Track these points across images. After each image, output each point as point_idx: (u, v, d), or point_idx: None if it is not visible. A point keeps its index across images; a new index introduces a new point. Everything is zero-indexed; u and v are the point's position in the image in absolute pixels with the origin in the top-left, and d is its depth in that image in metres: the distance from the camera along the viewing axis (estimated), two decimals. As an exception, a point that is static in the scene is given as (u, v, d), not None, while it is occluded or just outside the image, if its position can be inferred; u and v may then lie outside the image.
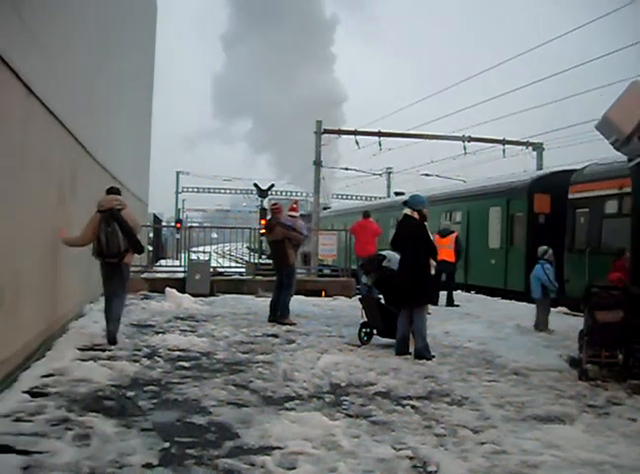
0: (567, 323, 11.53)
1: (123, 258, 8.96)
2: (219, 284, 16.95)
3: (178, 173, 60.52)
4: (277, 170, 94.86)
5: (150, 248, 25.91)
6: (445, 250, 15.04)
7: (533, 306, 12.05)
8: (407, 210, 9.13)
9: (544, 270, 11.58)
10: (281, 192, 58.61)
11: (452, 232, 15.94)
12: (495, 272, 19.75)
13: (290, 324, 11.39)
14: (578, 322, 8.85)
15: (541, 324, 11.48)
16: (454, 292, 15.97)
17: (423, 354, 8.52)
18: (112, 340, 8.80)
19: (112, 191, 9.43)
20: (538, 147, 29.08)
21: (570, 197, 17.27)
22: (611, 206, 15.83)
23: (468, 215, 21.59)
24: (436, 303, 13.77)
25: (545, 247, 12.01)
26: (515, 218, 19.50)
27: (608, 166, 16.06)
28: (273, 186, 36.63)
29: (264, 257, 21.99)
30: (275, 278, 12.59)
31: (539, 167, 27.42)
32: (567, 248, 17.08)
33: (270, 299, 12.26)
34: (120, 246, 8.78)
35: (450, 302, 15.42)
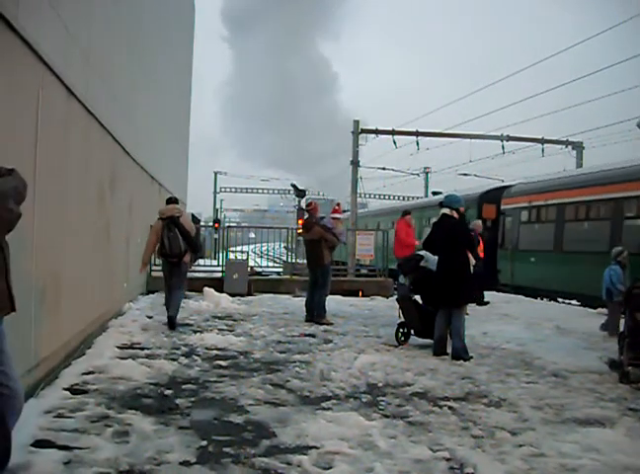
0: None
1: (182, 257, 10.42)
2: (257, 284, 17.04)
3: (216, 173, 60.95)
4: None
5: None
6: None
7: (570, 307, 11.82)
8: (446, 210, 9.04)
9: (610, 272, 11.18)
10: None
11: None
12: None
13: (328, 324, 11.40)
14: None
15: (610, 327, 11.11)
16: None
17: (460, 354, 8.45)
18: (172, 325, 10.20)
19: (171, 200, 10.94)
20: (578, 146, 28.62)
21: (501, 207, 22.43)
22: (524, 216, 21.13)
23: None
24: (474, 301, 13.53)
25: (620, 248, 11.44)
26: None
27: (525, 185, 21.85)
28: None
29: (299, 258, 22.06)
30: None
31: (579, 166, 27.02)
32: (499, 246, 22.14)
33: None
34: (180, 247, 10.30)
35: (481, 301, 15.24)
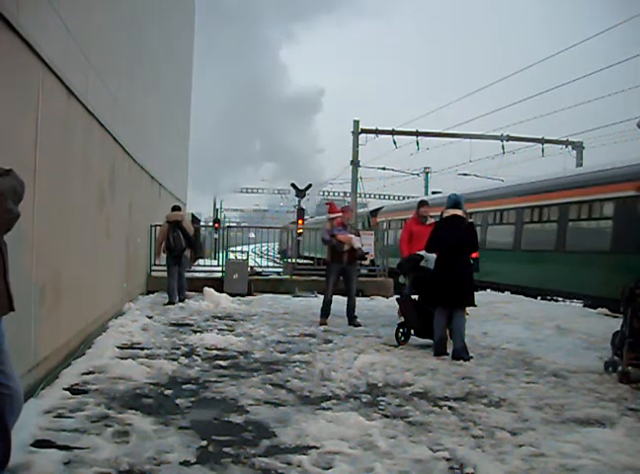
0: (606, 324, 11.31)
1: (183, 252, 13.60)
2: (257, 284, 17.03)
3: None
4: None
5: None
6: None
7: (571, 307, 11.77)
8: (458, 212, 8.95)
9: None
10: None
11: None
12: None
13: (320, 323, 11.41)
14: (618, 323, 8.67)
15: None
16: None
17: (461, 354, 8.44)
18: (182, 300, 13.68)
19: (175, 208, 14.17)
20: (578, 146, 28.63)
21: (377, 220, 33.62)
22: (384, 225, 30.69)
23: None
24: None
25: None
26: (365, 228, 32.28)
27: (386, 207, 35.66)
28: (310, 186, 36.52)
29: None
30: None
31: (579, 166, 27.04)
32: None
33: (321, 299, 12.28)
34: (182, 245, 13.48)
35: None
